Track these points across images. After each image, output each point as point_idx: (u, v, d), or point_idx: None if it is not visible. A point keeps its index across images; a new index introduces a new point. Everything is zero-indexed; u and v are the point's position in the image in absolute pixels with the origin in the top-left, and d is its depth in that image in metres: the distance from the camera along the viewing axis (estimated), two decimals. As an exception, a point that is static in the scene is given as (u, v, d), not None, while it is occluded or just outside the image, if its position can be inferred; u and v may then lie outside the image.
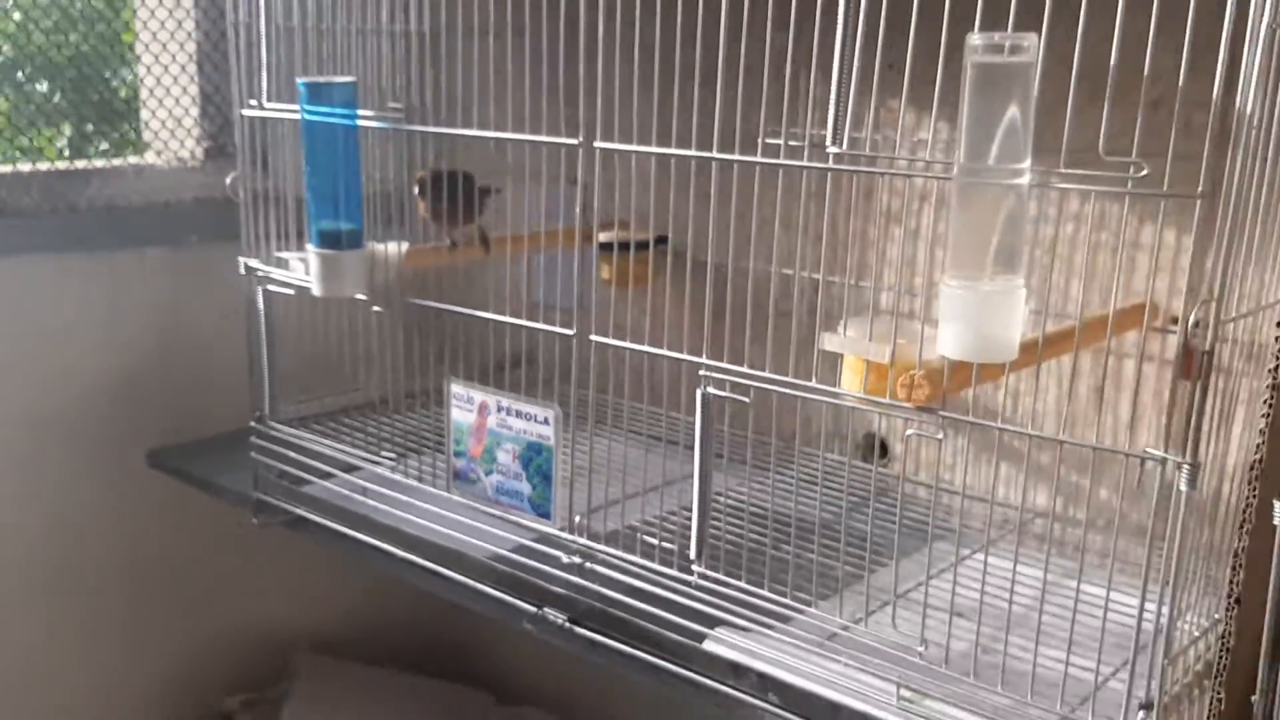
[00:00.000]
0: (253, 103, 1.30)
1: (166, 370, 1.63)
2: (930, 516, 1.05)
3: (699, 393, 1.02)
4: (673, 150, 1.03)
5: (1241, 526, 0.73)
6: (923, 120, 1.27)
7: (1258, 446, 0.72)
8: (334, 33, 1.30)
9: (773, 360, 1.01)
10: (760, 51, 0.99)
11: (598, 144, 1.06)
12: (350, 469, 1.36)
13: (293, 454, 1.38)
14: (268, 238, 1.36)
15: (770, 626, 1.02)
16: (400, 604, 1.93)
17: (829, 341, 0.98)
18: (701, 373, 1.03)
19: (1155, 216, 0.82)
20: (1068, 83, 0.78)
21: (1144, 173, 0.74)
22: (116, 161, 1.59)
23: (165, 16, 1.59)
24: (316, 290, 1.25)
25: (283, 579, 1.80)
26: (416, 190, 1.31)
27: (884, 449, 1.40)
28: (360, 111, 1.20)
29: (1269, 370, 0.71)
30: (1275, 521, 0.71)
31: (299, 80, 1.19)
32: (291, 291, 1.33)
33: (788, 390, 0.99)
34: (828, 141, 0.89)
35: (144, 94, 1.60)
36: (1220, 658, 0.76)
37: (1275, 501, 0.71)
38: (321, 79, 1.20)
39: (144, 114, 1.61)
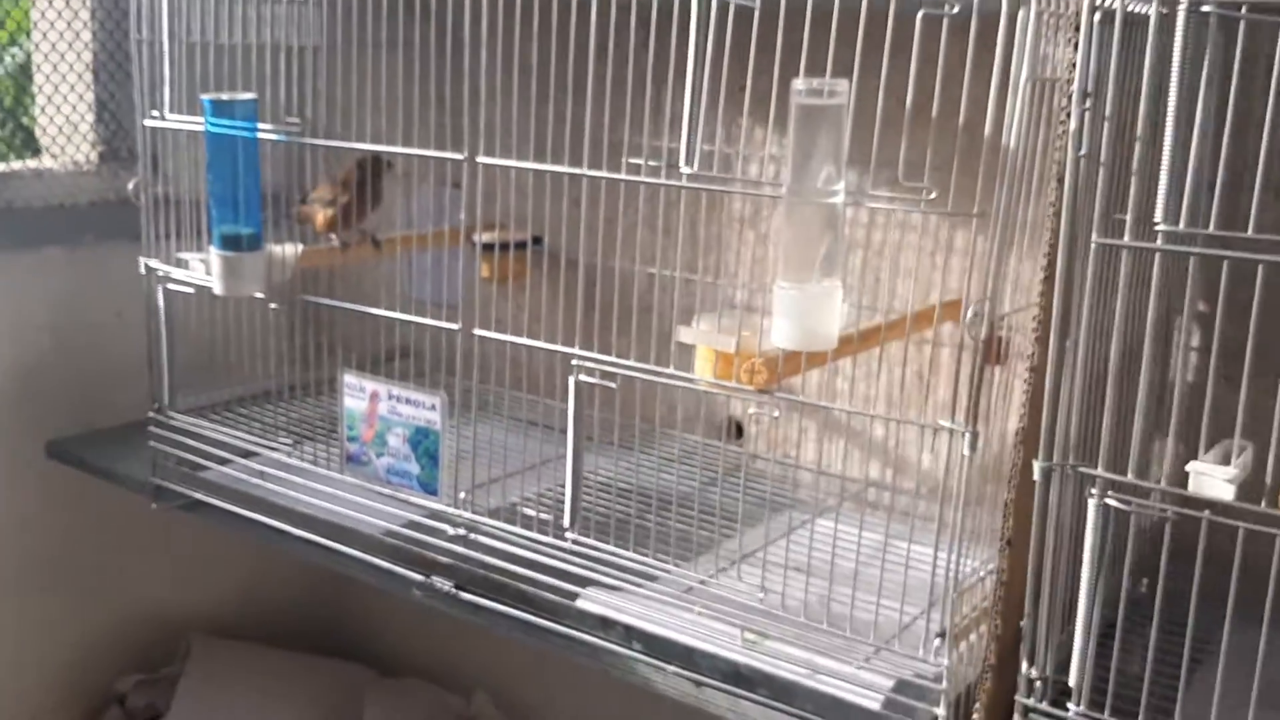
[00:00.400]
0: (155, 114, 1.39)
1: (64, 365, 1.70)
2: (768, 488, 1.20)
3: (571, 380, 1.16)
4: (548, 166, 1.16)
5: (1010, 482, 0.90)
6: (771, 136, 1.44)
7: (1021, 417, 0.89)
8: (231, 48, 1.40)
9: (637, 350, 1.16)
10: (626, 69, 1.13)
11: (480, 159, 1.19)
12: (247, 455, 1.46)
13: (191, 441, 1.48)
14: (167, 239, 1.44)
15: (635, 585, 1.16)
16: (288, 586, 2.03)
17: (684, 334, 1.13)
18: (574, 362, 1.16)
19: (963, 228, 0.99)
20: (899, 116, 0.94)
21: (932, 195, 0.90)
22: (16, 165, 1.66)
23: (64, 28, 1.66)
24: (218, 289, 1.35)
25: (176, 565, 1.88)
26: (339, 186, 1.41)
27: (739, 430, 1.55)
28: (260, 125, 1.31)
29: (1028, 356, 0.88)
30: (1035, 478, 0.89)
31: (204, 97, 1.29)
32: (191, 290, 1.42)
33: (649, 377, 1.14)
34: (681, 162, 1.03)
35: (40, 100, 1.67)
36: (996, 591, 0.93)
37: (1034, 461, 0.88)
38: (225, 96, 1.30)
39: (40, 119, 1.68)
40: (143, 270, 1.45)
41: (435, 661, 2.04)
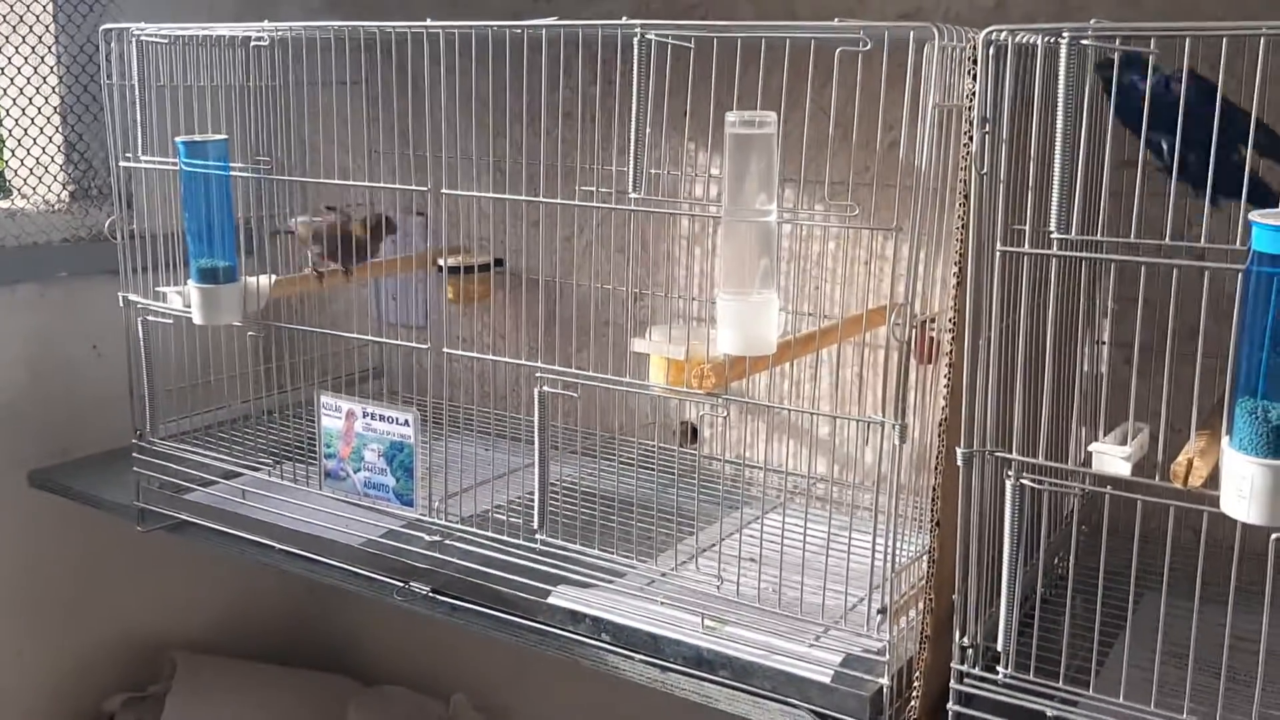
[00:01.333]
0: (128, 155, 1.46)
1: (43, 398, 1.76)
2: (722, 487, 1.29)
3: (535, 391, 1.24)
4: (507, 195, 1.25)
5: (936, 468, 1.00)
6: (713, 158, 1.53)
7: (942, 409, 0.98)
8: (199, 90, 1.48)
9: (596, 361, 1.24)
10: (577, 101, 1.21)
11: (444, 190, 1.27)
12: (229, 476, 1.53)
13: (174, 465, 1.55)
14: (143, 272, 1.51)
15: (603, 581, 1.24)
16: (270, 602, 2.10)
17: (638, 344, 1.21)
18: (537, 374, 1.25)
19: (892, 240, 1.09)
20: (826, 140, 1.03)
21: (855, 212, 1.00)
22: (-10, 206, 1.72)
23: (30, 73, 1.72)
24: (198, 320, 1.42)
25: (159, 586, 1.94)
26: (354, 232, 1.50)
27: (694, 434, 1.64)
28: (232, 164, 1.38)
29: (946, 354, 0.97)
30: (958, 463, 0.98)
31: (178, 140, 1.37)
32: (170, 321, 1.49)
33: (608, 385, 1.22)
34: (630, 189, 1.12)
35: (10, 143, 1.74)
36: (929, 570, 1.02)
37: (957, 449, 0.98)
38: (198, 137, 1.37)
39: (11, 161, 1.74)
40: (121, 303, 1.52)
41: (414, 669, 2.11)
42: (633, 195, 1.13)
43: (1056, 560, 1.19)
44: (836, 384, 1.40)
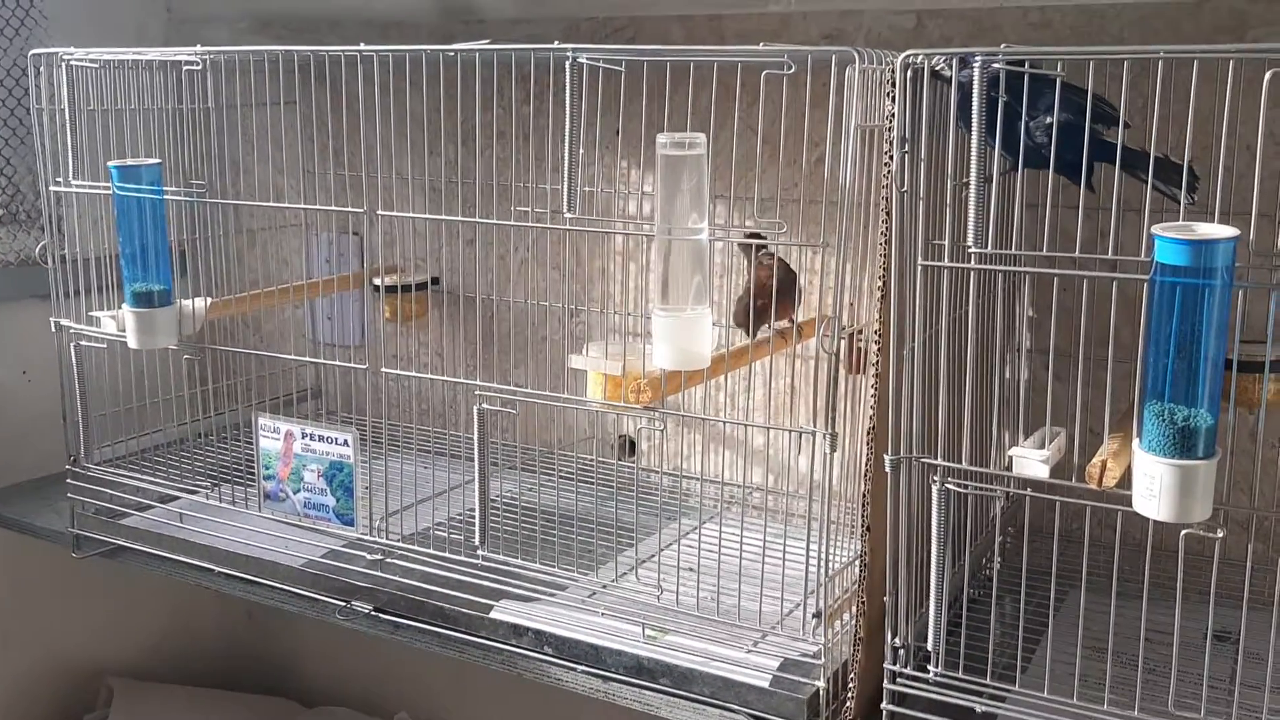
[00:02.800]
0: (59, 180, 1.46)
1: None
2: (660, 499, 1.32)
3: (475, 409, 1.26)
4: (442, 216, 1.26)
5: (866, 475, 1.03)
6: (646, 175, 1.56)
7: (870, 417, 1.02)
8: (131, 113, 1.47)
9: (534, 377, 1.26)
10: (510, 119, 1.24)
11: (380, 212, 1.28)
12: (166, 500, 1.53)
13: (109, 490, 1.54)
14: (76, 296, 1.50)
15: (545, 594, 1.26)
16: (209, 626, 2.08)
17: (576, 361, 1.24)
18: (476, 392, 1.26)
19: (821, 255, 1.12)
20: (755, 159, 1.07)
21: (784, 229, 1.03)
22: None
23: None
24: (133, 344, 1.42)
25: (94, 612, 1.92)
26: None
27: (633, 447, 1.67)
28: (165, 188, 1.38)
29: (872, 364, 1.01)
30: (886, 470, 1.02)
31: (111, 164, 1.36)
32: (103, 345, 1.49)
33: (546, 402, 1.24)
34: (564, 209, 1.14)
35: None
36: (861, 573, 1.06)
37: (885, 456, 1.01)
38: (131, 162, 1.37)
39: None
40: (53, 328, 1.51)
41: (357, 689, 2.11)
42: (567, 215, 1.15)
43: (984, 561, 1.23)
44: (770, 394, 1.43)
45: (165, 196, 1.38)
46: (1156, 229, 0.82)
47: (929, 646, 1.04)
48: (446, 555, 1.32)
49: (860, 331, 1.17)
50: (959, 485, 1.00)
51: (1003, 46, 0.88)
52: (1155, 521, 0.87)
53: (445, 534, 1.35)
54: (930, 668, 1.04)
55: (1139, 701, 0.96)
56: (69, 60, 1.43)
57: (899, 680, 1.06)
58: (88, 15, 1.80)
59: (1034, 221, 1.00)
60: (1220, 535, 0.87)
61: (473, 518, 1.30)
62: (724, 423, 1.18)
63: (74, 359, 1.50)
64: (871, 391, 1.00)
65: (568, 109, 1.12)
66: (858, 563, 1.06)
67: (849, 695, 1.08)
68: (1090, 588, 1.05)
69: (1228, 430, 1.00)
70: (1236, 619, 1.04)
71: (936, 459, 0.99)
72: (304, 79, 1.39)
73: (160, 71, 1.48)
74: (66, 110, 1.43)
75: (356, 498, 1.36)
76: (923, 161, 0.94)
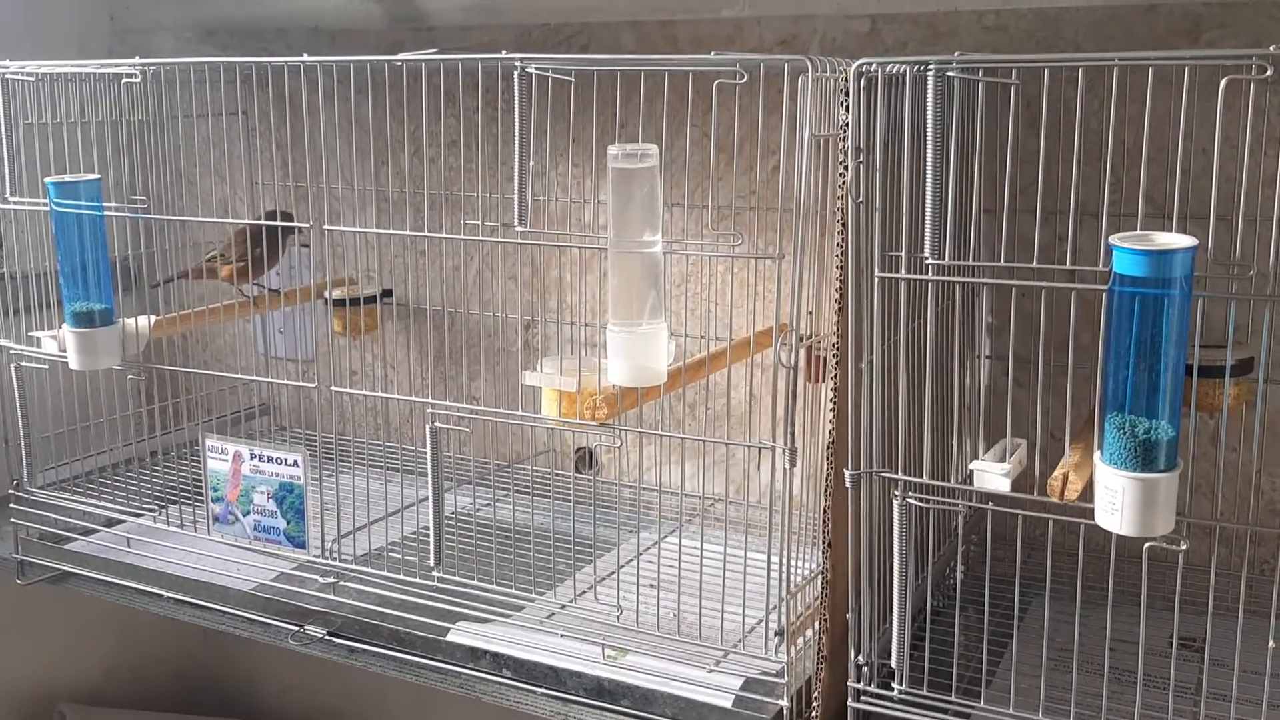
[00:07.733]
0: (-2, 196, 1.41)
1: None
2: (619, 513, 1.29)
3: (427, 427, 1.23)
4: (391, 230, 1.23)
5: (826, 489, 1.01)
6: (600, 185, 1.54)
7: (830, 431, 1.00)
8: (69, 126, 1.43)
9: (489, 391, 1.23)
10: (460, 128, 1.21)
11: (327, 227, 1.25)
12: (112, 523, 1.48)
13: (53, 515, 1.49)
14: (15, 315, 1.46)
15: (502, 616, 1.24)
16: (163, 650, 2.03)
17: (530, 378, 1.21)
18: (429, 410, 1.23)
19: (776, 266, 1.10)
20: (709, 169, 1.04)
21: (740, 242, 1.01)
22: None
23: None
24: (74, 365, 1.38)
25: (42, 638, 1.87)
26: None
27: (591, 458, 1.64)
28: (106, 203, 1.34)
29: (831, 377, 0.99)
30: (846, 484, 1.00)
31: (48, 180, 1.32)
32: (45, 366, 1.44)
33: (500, 419, 1.22)
34: (515, 223, 1.12)
35: None
36: (823, 590, 1.04)
37: (845, 470, 1.00)
38: (69, 178, 1.33)
39: None
40: (-8, 350, 1.47)
41: (313, 712, 2.07)
42: (519, 229, 1.13)
43: (947, 573, 1.21)
44: (729, 406, 1.41)
45: (105, 213, 1.34)
46: (1114, 239, 0.81)
47: (893, 664, 1.02)
48: (401, 577, 1.29)
49: (819, 340, 1.15)
50: (920, 500, 0.98)
51: (957, 54, 0.87)
52: (1118, 533, 0.86)
53: (400, 555, 1.32)
54: (894, 685, 1.03)
55: (1105, 714, 0.95)
56: (4, 74, 1.39)
57: (863, 698, 1.04)
58: (28, 27, 1.75)
59: (992, 225, 0.98)
60: (1183, 548, 0.86)
61: (428, 536, 1.27)
62: (683, 439, 1.16)
63: (15, 380, 1.45)
64: (830, 406, 0.98)
65: (517, 120, 1.09)
66: (819, 578, 1.04)
67: (813, 714, 1.06)
68: (1055, 595, 1.04)
69: (1189, 436, 0.99)
70: (1202, 625, 1.03)
71: (897, 473, 0.98)
72: (249, 89, 1.36)
73: (100, 83, 1.44)
74: (2, 124, 1.38)
75: (308, 519, 1.33)
76: (878, 171, 0.92)
